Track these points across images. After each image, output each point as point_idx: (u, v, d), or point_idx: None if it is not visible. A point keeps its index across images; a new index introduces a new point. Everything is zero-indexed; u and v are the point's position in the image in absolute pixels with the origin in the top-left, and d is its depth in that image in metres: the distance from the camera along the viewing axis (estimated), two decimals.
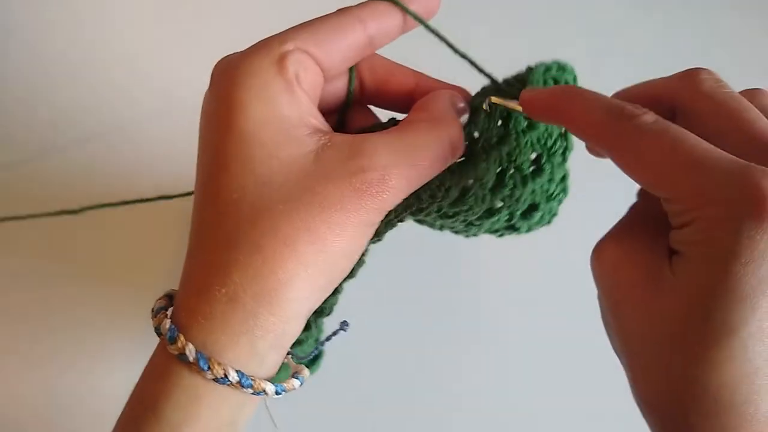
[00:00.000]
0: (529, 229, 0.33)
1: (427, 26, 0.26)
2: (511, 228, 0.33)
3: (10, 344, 0.42)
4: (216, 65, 0.25)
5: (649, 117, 0.20)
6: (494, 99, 0.26)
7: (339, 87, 0.28)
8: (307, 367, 0.27)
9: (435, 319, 0.45)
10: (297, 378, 0.25)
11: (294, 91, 0.23)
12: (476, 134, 0.27)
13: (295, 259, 0.22)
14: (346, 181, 0.22)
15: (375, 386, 0.43)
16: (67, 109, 0.47)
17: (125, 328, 0.43)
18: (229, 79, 0.23)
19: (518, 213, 0.31)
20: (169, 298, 0.25)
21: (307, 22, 0.25)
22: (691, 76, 0.22)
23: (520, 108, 0.25)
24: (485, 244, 0.37)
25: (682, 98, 0.22)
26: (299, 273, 0.22)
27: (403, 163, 0.23)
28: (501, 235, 0.33)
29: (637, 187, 0.24)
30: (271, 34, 0.24)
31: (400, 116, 0.28)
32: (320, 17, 0.25)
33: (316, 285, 0.23)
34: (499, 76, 0.27)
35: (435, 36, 0.27)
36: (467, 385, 0.44)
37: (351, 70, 0.27)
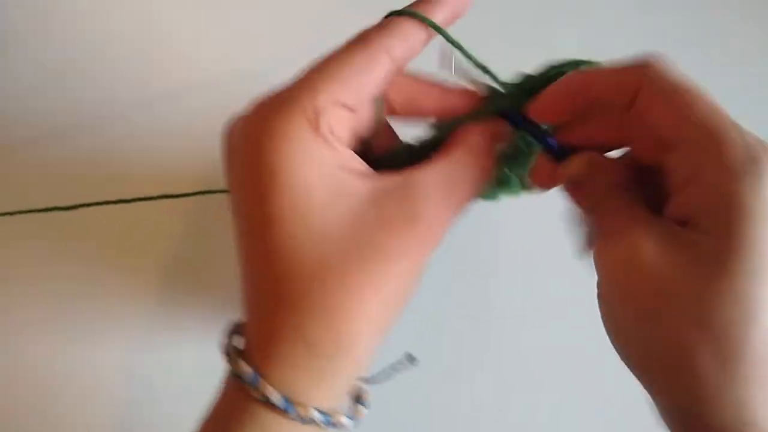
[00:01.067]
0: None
1: (450, 39, 0.26)
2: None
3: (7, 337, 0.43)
4: (238, 127, 0.24)
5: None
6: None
7: (365, 117, 0.27)
8: None
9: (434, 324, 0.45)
10: (362, 404, 0.27)
11: (333, 146, 0.24)
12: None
13: (366, 312, 0.23)
14: (406, 232, 0.23)
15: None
16: (66, 98, 0.46)
17: (120, 323, 0.44)
18: (263, 138, 0.23)
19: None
20: (232, 338, 0.26)
21: (331, 59, 0.24)
22: (642, 65, 0.23)
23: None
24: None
25: (631, 87, 0.23)
26: (370, 322, 0.23)
27: (455, 201, 0.25)
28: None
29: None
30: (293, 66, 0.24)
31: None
32: (344, 51, 0.25)
33: (382, 327, 0.24)
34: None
35: (457, 48, 0.27)
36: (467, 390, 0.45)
37: (378, 102, 0.27)
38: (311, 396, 0.23)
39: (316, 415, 0.23)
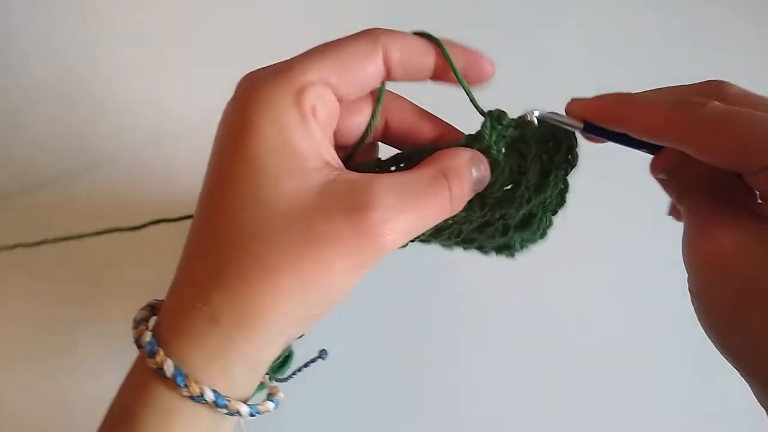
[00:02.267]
0: (522, 245, 0.33)
1: (467, 90, 0.26)
2: (506, 246, 0.33)
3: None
4: (241, 81, 0.25)
5: (718, 103, 0.23)
6: (539, 114, 0.27)
7: (358, 122, 0.27)
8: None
9: (424, 333, 0.45)
10: (272, 400, 0.25)
11: (308, 124, 0.23)
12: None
13: (276, 290, 0.22)
14: (346, 219, 0.22)
15: (358, 403, 0.43)
16: (76, 136, 0.47)
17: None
18: (247, 101, 0.23)
19: (513, 224, 0.31)
20: (152, 308, 0.25)
21: (331, 45, 0.25)
22: (716, 87, 0.24)
23: (578, 124, 0.26)
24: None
25: None
26: (276, 304, 0.22)
27: (409, 209, 0.23)
28: (489, 252, 0.34)
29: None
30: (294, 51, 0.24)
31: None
32: (346, 40, 0.25)
33: (294, 317, 0.23)
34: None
35: (465, 92, 0.27)
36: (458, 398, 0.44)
37: (375, 109, 0.27)
38: (208, 373, 0.22)
39: (209, 393, 0.22)
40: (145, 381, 0.23)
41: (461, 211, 0.26)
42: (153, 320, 0.25)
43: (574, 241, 0.44)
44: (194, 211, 0.25)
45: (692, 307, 0.25)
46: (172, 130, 0.48)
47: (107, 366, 0.42)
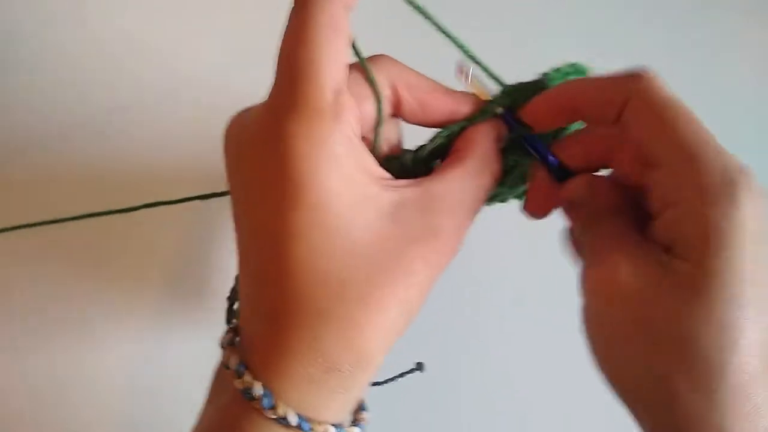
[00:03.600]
0: None
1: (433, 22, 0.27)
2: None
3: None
4: (248, 125, 0.24)
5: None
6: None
7: (368, 110, 0.26)
8: None
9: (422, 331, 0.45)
10: (363, 409, 0.27)
11: (352, 141, 0.23)
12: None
13: (386, 326, 0.23)
14: (428, 244, 0.23)
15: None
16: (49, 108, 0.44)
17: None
18: (274, 136, 0.22)
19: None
20: (232, 350, 0.25)
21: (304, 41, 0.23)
22: (631, 79, 0.24)
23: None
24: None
25: (619, 100, 0.24)
26: (388, 337, 0.23)
27: (468, 213, 0.25)
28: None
29: None
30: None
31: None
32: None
33: (396, 337, 0.24)
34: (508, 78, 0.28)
35: (446, 36, 0.27)
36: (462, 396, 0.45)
37: (376, 94, 0.26)
38: (325, 413, 0.24)
39: (331, 430, 0.24)
40: (254, 425, 0.23)
41: None
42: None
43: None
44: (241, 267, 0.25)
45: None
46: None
47: (111, 351, 0.43)
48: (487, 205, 0.34)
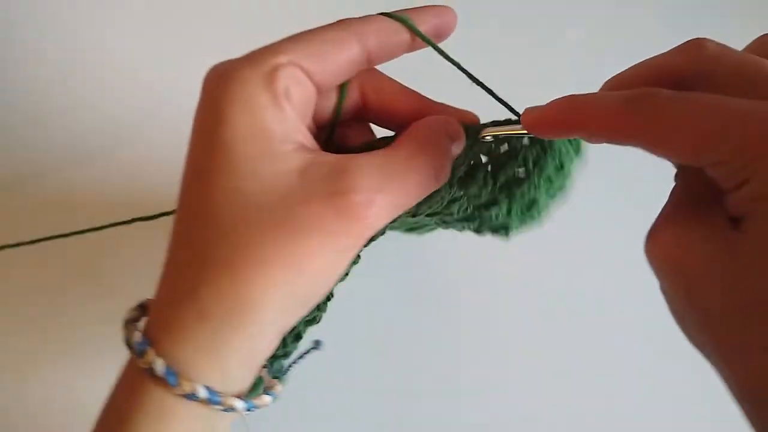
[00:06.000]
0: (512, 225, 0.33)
1: (439, 50, 0.26)
2: (504, 228, 0.33)
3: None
4: (207, 73, 0.24)
5: (667, 91, 0.20)
6: (489, 131, 0.26)
7: (330, 104, 0.27)
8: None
9: (421, 324, 0.44)
10: (269, 394, 0.25)
11: (282, 106, 0.23)
12: (483, 159, 0.29)
13: (265, 281, 0.21)
14: (328, 203, 0.22)
15: (359, 394, 0.43)
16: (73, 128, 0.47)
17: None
18: (216, 88, 0.23)
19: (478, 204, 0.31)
20: (142, 308, 0.25)
21: (302, 33, 0.24)
22: (695, 47, 0.22)
23: (523, 131, 0.25)
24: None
25: (691, 71, 0.22)
26: (268, 295, 0.22)
27: (390, 187, 0.23)
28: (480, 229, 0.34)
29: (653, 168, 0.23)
30: (269, 41, 0.24)
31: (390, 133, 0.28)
32: (317, 29, 0.24)
33: (288, 306, 0.22)
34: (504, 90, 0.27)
35: (447, 60, 0.26)
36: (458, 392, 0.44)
37: (342, 87, 0.27)
38: (201, 371, 0.22)
39: (202, 391, 0.21)
40: (137, 382, 0.22)
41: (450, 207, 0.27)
42: (144, 320, 0.24)
43: (581, 240, 0.44)
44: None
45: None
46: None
47: (106, 364, 0.42)
48: (445, 221, 0.32)
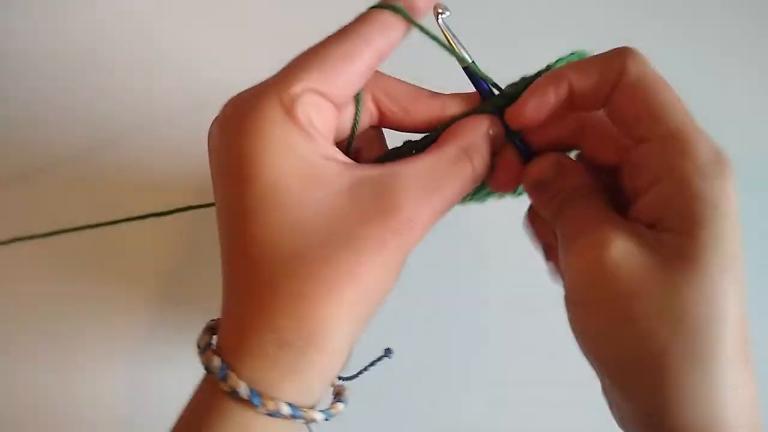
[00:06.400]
0: None
1: (434, 37, 0.26)
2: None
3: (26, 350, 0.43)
4: (223, 111, 0.24)
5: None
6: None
7: (350, 116, 0.27)
8: None
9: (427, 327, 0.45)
10: (341, 401, 0.26)
11: (310, 134, 0.23)
12: None
13: (338, 302, 0.22)
14: (382, 223, 0.23)
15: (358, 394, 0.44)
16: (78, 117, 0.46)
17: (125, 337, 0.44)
18: (238, 129, 0.23)
19: None
20: (211, 330, 0.26)
21: (311, 51, 0.24)
22: (616, 69, 0.24)
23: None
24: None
25: (603, 98, 0.24)
26: (342, 314, 0.23)
27: (434, 197, 0.24)
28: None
29: None
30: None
31: (414, 136, 0.28)
32: (325, 43, 0.24)
33: (358, 320, 0.24)
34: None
35: (441, 46, 0.26)
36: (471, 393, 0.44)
37: (357, 98, 0.27)
38: (282, 389, 0.23)
39: (285, 409, 0.23)
40: (217, 401, 0.23)
41: None
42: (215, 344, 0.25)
43: None
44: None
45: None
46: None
47: (115, 362, 0.43)
48: (471, 201, 0.32)
